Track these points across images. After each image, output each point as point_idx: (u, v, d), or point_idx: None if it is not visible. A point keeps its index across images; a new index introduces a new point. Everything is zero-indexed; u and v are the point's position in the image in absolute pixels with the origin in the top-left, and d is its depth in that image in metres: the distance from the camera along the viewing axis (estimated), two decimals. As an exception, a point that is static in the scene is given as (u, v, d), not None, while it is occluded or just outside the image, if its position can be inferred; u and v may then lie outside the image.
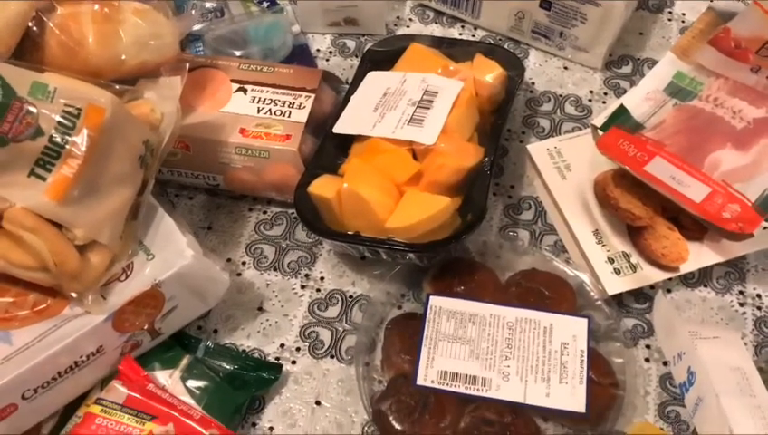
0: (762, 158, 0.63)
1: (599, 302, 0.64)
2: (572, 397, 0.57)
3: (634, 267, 0.64)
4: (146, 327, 0.57)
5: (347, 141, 0.68)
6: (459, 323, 0.61)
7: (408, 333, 0.61)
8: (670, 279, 0.66)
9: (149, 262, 0.57)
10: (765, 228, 0.62)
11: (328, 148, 0.68)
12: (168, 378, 0.58)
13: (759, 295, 0.66)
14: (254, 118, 0.67)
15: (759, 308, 0.65)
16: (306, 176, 0.65)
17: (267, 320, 0.66)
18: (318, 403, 0.61)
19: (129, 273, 0.56)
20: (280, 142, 0.66)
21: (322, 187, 0.64)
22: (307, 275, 0.69)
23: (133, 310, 0.55)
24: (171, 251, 0.57)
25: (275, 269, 0.69)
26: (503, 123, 0.69)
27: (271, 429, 0.60)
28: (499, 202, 0.72)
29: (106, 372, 0.57)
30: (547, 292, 0.63)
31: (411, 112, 0.66)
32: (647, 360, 0.63)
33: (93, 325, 0.53)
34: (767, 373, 0.58)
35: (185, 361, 0.59)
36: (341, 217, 0.64)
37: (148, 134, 0.57)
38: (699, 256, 0.64)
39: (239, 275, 0.69)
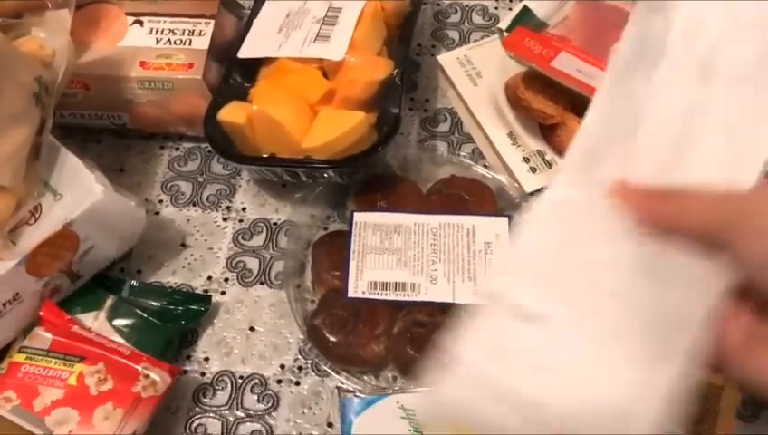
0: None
1: (518, 201, 0.65)
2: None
3: (549, 164, 0.65)
4: (63, 270, 0.55)
5: (253, 66, 0.67)
6: (385, 234, 0.62)
7: (335, 251, 0.62)
8: (585, 173, 0.67)
9: (58, 202, 0.55)
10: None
11: (234, 75, 0.67)
12: (93, 320, 0.57)
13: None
14: (154, 49, 0.65)
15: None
16: (214, 104, 0.64)
17: (192, 255, 0.65)
18: (252, 329, 0.61)
19: (37, 216, 0.54)
20: (183, 71, 0.64)
21: (232, 113, 0.63)
22: (228, 208, 0.68)
23: (47, 253, 0.53)
24: (80, 189, 0.55)
25: (194, 204, 0.68)
26: (410, 35, 0.69)
27: (206, 359, 0.60)
28: (415, 116, 0.73)
29: (26, 320, 0.55)
30: (467, 196, 0.64)
31: (317, 30, 0.65)
32: (568, 251, 0.65)
33: (5, 271, 0.51)
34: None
35: (109, 301, 0.58)
36: (255, 144, 0.63)
37: (39, 70, 0.55)
38: (610, 146, 0.66)
39: (157, 213, 0.67)
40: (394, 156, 0.68)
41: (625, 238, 0.32)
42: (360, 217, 0.63)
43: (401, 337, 0.57)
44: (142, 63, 0.64)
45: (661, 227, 0.31)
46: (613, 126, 0.36)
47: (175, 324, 0.58)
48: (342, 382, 0.57)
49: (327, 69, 0.65)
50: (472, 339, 0.34)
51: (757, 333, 0.30)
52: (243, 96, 0.65)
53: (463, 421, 0.34)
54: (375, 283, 0.59)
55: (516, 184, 0.65)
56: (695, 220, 0.30)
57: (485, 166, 0.68)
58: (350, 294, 0.59)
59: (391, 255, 0.61)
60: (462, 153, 0.70)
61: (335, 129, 0.61)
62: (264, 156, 0.62)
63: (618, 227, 0.33)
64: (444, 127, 0.72)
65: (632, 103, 0.36)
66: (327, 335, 0.57)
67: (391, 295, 0.59)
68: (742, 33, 0.35)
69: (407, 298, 0.59)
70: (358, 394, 0.53)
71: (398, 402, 0.52)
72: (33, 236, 0.53)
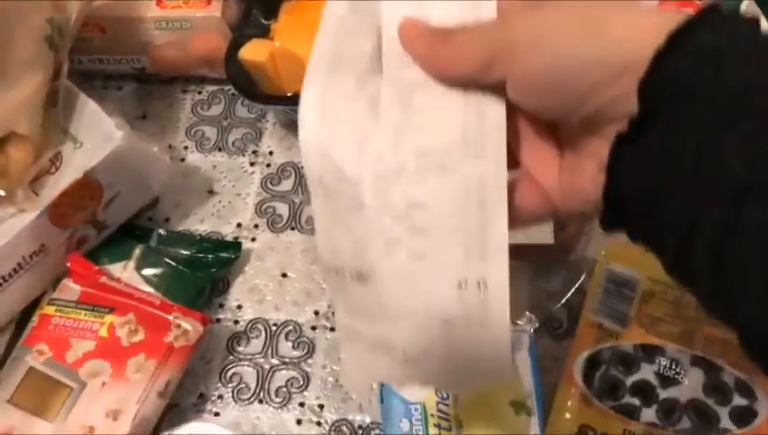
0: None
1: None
2: (539, 229, 0.56)
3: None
4: (88, 220, 0.54)
5: (274, 3, 0.64)
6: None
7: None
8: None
9: (78, 150, 0.53)
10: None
11: (254, 11, 0.63)
12: (122, 270, 0.56)
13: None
14: (170, -13, 0.62)
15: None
16: (234, 43, 0.61)
17: (220, 202, 0.63)
18: (284, 275, 0.59)
19: (58, 165, 0.53)
20: (201, 9, 0.61)
21: (254, 51, 0.60)
22: (255, 152, 0.65)
23: (70, 202, 0.52)
24: (100, 135, 0.53)
25: (220, 150, 0.65)
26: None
27: (239, 307, 0.58)
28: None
29: (54, 272, 0.54)
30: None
31: (339, -41, 0.61)
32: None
33: (29, 223, 0.50)
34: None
35: (138, 251, 0.57)
36: (279, 83, 0.60)
37: (50, 11, 0.52)
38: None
39: (182, 160, 0.65)
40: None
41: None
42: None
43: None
44: (159, 3, 0.61)
45: (443, 74, 0.29)
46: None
47: (205, 273, 0.57)
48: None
49: (352, 1, 0.61)
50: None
51: (565, 166, 0.30)
52: (264, 33, 0.62)
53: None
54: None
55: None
56: (471, 58, 0.28)
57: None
58: (384, 236, 0.56)
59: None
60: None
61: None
62: (289, 95, 0.59)
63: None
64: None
65: None
66: (361, 280, 0.55)
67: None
68: None
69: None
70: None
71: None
72: (56, 186, 0.51)
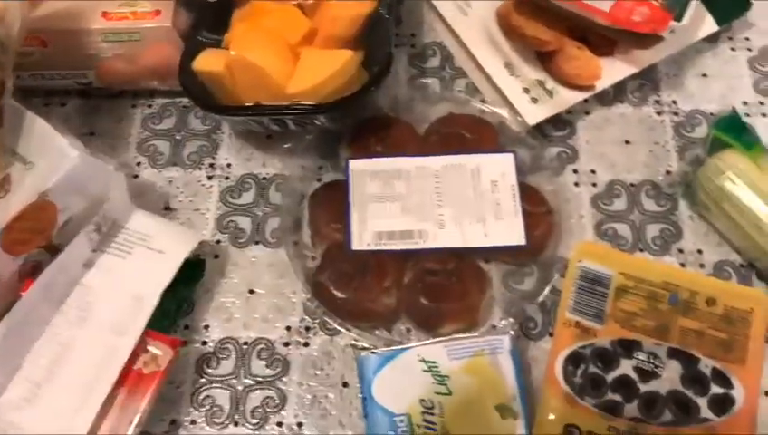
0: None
1: (521, 135, 0.61)
2: (510, 231, 0.56)
3: (551, 93, 0.62)
4: (42, 245, 0.51)
5: (226, 10, 0.62)
6: (384, 181, 0.58)
7: (332, 203, 0.58)
8: (586, 101, 0.64)
9: (29, 171, 0.50)
10: (672, 32, 0.61)
11: (206, 20, 0.61)
12: (80, 296, 0.53)
13: (674, 102, 0.65)
14: (116, -3, 0.59)
15: (676, 114, 0.65)
16: (187, 53, 0.59)
17: (178, 218, 0.60)
18: (252, 292, 0.57)
19: (8, 188, 0.49)
20: (150, 20, 0.58)
21: (208, 61, 0.58)
22: (212, 165, 0.63)
23: (22, 227, 0.48)
24: (52, 155, 0.50)
25: (175, 164, 0.63)
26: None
27: (206, 327, 0.56)
28: (402, 53, 0.68)
29: (6, 301, 0.50)
30: (468, 134, 0.60)
31: (291, -35, 0.60)
32: (576, 184, 0.62)
33: (-22, 252, 0.47)
34: (692, 176, 0.58)
35: (95, 275, 0.54)
36: (236, 93, 0.58)
37: (-10, 25, 0.49)
38: (612, 70, 0.62)
39: (136, 177, 0.62)
40: (383, 97, 0.63)
41: None
42: (356, 164, 0.59)
43: (413, 287, 0.54)
44: (104, 14, 0.59)
45: None
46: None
47: (170, 296, 0.54)
48: (356, 340, 0.54)
49: (306, 7, 0.60)
50: None
51: None
52: (217, 43, 0.60)
53: None
54: (380, 233, 0.56)
55: (518, 117, 0.61)
56: None
57: (483, 101, 0.64)
58: (355, 246, 0.55)
59: (394, 202, 0.57)
60: (456, 89, 0.66)
61: (322, 70, 0.57)
62: (248, 105, 0.57)
63: None
64: (434, 62, 0.68)
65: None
66: (334, 292, 0.54)
67: (399, 245, 0.55)
68: None
69: (415, 246, 0.55)
70: (375, 350, 0.50)
71: (418, 355, 0.50)
72: (6, 211, 0.48)
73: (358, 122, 0.61)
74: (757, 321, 0.51)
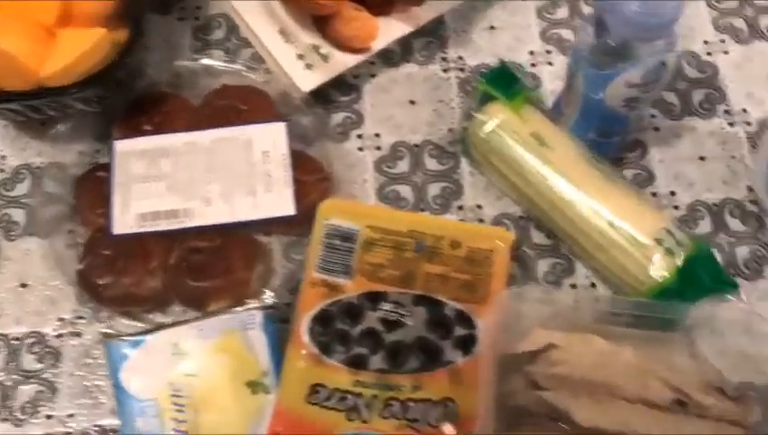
0: None
1: (301, 103, 0.60)
2: (280, 201, 0.55)
3: (326, 57, 0.60)
4: None
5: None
6: (150, 161, 0.56)
7: (98, 187, 0.56)
8: (372, 63, 0.63)
9: None
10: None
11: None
12: None
13: (461, 57, 0.65)
14: None
15: (462, 70, 0.64)
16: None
17: (-54, 215, 0.58)
18: (24, 286, 0.56)
19: None
20: None
21: (-49, 49, 0.55)
22: (-16, 158, 0.61)
23: None
24: None
25: (-56, 159, 0.60)
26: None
27: (-28, 327, 0.54)
28: (186, 26, 0.66)
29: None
30: (242, 105, 0.59)
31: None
32: (360, 149, 0.61)
33: None
34: (465, 133, 0.58)
35: None
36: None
37: None
38: (389, 29, 0.61)
39: None
40: (163, 72, 0.62)
41: None
42: (121, 145, 0.57)
43: (178, 268, 0.53)
44: None
45: None
46: None
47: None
48: (109, 327, 0.53)
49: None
50: None
51: None
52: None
53: None
54: (144, 214, 0.54)
55: (295, 84, 0.60)
56: None
57: (267, 71, 0.63)
58: (117, 230, 0.54)
59: (159, 182, 0.56)
60: (240, 60, 0.64)
61: (74, 50, 0.54)
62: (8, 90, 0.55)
63: None
64: (219, 34, 0.66)
65: None
66: (95, 279, 0.53)
67: (163, 225, 0.54)
68: None
69: (180, 226, 0.54)
70: (123, 338, 0.49)
71: (168, 339, 0.49)
72: None
73: (131, 101, 0.60)
74: (499, 259, 0.51)
